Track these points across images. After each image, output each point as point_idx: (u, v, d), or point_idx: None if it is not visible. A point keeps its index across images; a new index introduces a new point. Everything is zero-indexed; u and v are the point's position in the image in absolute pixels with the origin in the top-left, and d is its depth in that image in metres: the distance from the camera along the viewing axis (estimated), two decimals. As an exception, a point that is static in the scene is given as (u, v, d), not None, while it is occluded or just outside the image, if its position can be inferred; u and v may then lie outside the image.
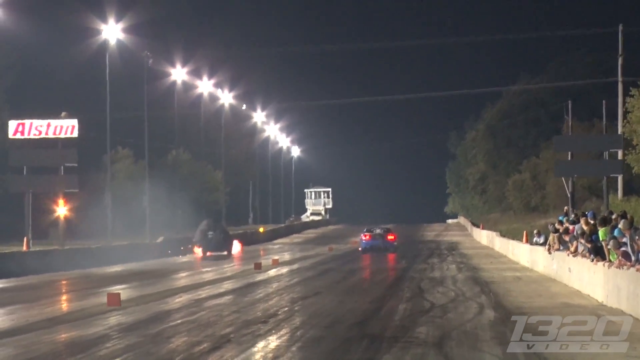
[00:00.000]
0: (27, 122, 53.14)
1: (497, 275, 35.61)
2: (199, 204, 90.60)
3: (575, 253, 27.98)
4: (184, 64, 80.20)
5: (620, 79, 60.46)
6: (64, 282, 35.43)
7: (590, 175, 59.38)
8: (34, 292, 30.19)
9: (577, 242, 28.19)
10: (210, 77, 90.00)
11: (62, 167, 52.85)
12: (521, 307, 22.84)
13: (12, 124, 53.74)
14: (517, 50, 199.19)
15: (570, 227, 31.56)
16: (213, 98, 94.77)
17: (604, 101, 57.75)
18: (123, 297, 25.38)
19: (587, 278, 25.97)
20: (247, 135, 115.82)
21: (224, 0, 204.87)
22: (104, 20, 59.85)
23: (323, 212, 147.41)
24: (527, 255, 41.57)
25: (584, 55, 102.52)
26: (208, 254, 56.33)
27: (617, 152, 52.49)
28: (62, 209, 54.20)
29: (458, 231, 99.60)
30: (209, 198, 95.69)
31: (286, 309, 23.33)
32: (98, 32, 59.95)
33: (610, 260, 23.03)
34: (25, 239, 49.87)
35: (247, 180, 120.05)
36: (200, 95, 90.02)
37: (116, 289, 29.44)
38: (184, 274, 38.68)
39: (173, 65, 78.85)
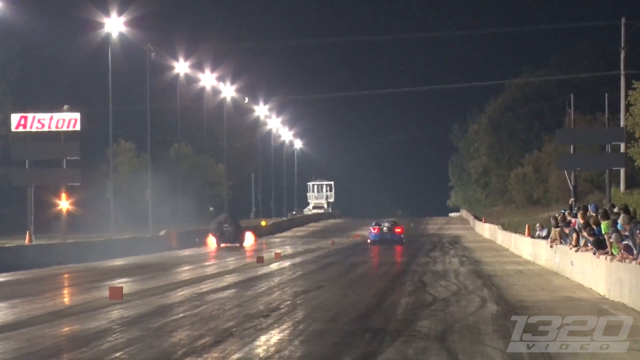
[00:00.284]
0: (29, 115, 53.11)
1: (499, 268, 35.62)
2: (201, 197, 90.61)
3: (577, 247, 27.97)
4: (186, 57, 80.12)
5: (623, 71, 60.38)
6: (66, 275, 35.45)
7: (592, 168, 59.38)
8: (37, 285, 30.20)
9: (578, 234, 28.20)
10: (212, 70, 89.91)
11: (64, 160, 52.83)
12: (523, 301, 22.85)
13: (15, 117, 53.72)
14: (520, 43, 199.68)
15: (573, 220, 31.55)
16: (215, 91, 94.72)
17: (606, 94, 57.71)
18: (125, 290, 25.38)
19: (589, 271, 25.97)
20: (249, 129, 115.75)
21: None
22: (107, 13, 59.81)
23: (325, 206, 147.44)
24: (529, 249, 41.58)
25: (587, 48, 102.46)
26: (222, 245, 58.89)
27: (619, 145, 52.47)
28: (64, 203, 54.24)
29: (460, 224, 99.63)
30: (211, 191, 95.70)
31: (288, 302, 23.33)
32: (101, 25, 59.89)
33: (612, 254, 23.03)
34: (27, 233, 49.92)
35: (249, 174, 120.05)
36: (203, 89, 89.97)
37: (118, 282, 29.47)
38: (186, 268, 38.69)
39: (176, 58, 78.79)
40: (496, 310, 20.98)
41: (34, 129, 53.02)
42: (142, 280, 31.22)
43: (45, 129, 53.02)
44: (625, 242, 22.11)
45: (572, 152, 52.91)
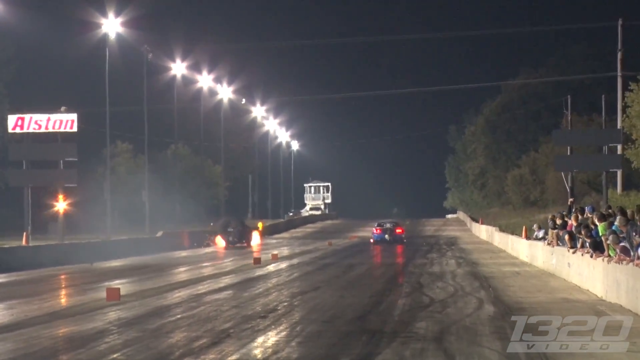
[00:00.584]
0: (26, 116, 53.08)
1: (496, 270, 35.64)
2: (198, 198, 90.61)
3: (574, 249, 28.00)
4: (183, 58, 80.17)
5: (619, 73, 60.43)
6: (63, 276, 35.42)
7: (589, 170, 59.42)
8: (34, 286, 30.18)
9: (571, 237, 28.26)
10: (209, 72, 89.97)
11: (61, 161, 52.80)
12: (520, 302, 22.86)
13: (12, 118, 53.68)
14: (517, 44, 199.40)
15: (569, 222, 31.59)
16: (213, 92, 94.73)
17: (603, 95, 57.76)
18: (122, 291, 25.38)
19: (586, 273, 25.99)
20: (246, 130, 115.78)
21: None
22: (104, 14, 59.83)
23: (322, 207, 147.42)
24: (526, 250, 41.61)
25: (584, 50, 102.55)
26: (230, 245, 61.29)
27: (616, 147, 52.52)
28: (61, 204, 54.17)
29: (457, 226, 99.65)
30: (208, 192, 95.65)
31: (285, 303, 23.34)
32: (98, 25, 59.93)
33: (609, 255, 23.05)
34: (24, 234, 49.82)
35: (246, 175, 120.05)
36: (200, 90, 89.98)
37: (115, 283, 29.46)
38: (183, 269, 38.68)
39: (173, 59, 78.82)
40: (493, 312, 21.00)
41: (30, 130, 52.99)
42: (139, 282, 31.21)
43: (42, 130, 52.99)
44: (622, 243, 22.13)
45: (569, 153, 52.93)
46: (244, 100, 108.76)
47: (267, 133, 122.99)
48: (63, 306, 23.74)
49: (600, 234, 24.43)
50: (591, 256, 24.92)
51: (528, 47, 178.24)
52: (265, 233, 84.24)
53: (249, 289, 27.97)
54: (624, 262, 21.48)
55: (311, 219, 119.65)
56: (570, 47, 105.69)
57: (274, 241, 72.26)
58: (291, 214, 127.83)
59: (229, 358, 15.02)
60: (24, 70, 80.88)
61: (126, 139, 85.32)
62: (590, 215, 28.19)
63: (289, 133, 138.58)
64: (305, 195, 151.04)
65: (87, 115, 67.19)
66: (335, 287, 28.42)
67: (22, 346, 16.50)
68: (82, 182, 59.27)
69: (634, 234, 21.46)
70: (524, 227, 46.72)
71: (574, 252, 27.90)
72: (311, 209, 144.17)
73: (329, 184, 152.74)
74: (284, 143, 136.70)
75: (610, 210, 27.04)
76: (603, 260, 23.44)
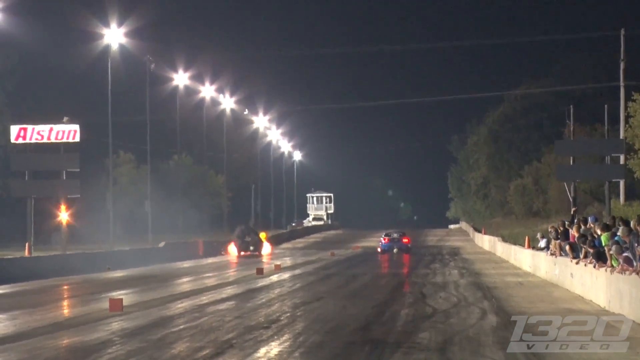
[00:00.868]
0: (29, 127, 53.07)
1: (499, 280, 35.60)
2: (201, 208, 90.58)
3: (577, 259, 27.97)
4: (186, 69, 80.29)
5: (622, 83, 60.45)
6: (66, 287, 35.43)
7: (592, 180, 59.37)
8: (37, 297, 30.18)
9: (572, 248, 28.25)
10: (212, 82, 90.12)
11: (64, 172, 52.79)
12: (523, 313, 22.79)
13: (14, 129, 53.64)
14: (520, 54, 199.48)
15: (571, 231, 31.57)
16: (215, 102, 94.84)
17: (605, 105, 57.72)
18: (125, 302, 25.36)
19: (589, 283, 25.95)
20: (249, 140, 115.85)
21: (225, 5, 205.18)
22: (106, 24, 59.94)
23: (325, 217, 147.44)
24: (529, 260, 41.55)
25: (586, 60, 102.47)
26: (242, 253, 63.65)
27: (619, 157, 52.49)
28: (64, 214, 54.18)
29: (460, 236, 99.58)
30: (210, 203, 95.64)
31: (288, 314, 23.32)
32: (100, 36, 60.05)
33: (612, 266, 23.03)
34: (27, 244, 49.80)
35: (249, 185, 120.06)
36: (203, 100, 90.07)
37: (118, 294, 29.44)
38: (186, 279, 38.65)
39: (175, 69, 78.93)
40: (496, 322, 20.97)
41: (33, 141, 52.97)
42: (142, 292, 31.20)
43: (45, 140, 52.96)
44: (625, 254, 22.11)
45: (571, 163, 52.91)
46: (246, 111, 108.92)
47: (269, 143, 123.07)
48: (66, 317, 23.75)
49: (603, 244, 24.40)
50: (594, 266, 24.90)
51: (531, 57, 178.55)
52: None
53: (251, 299, 27.95)
54: (627, 273, 21.45)
55: (314, 229, 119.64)
56: (573, 57, 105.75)
57: (277, 251, 72.22)
58: (294, 224, 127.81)
59: (232, 369, 15.02)
60: (27, 80, 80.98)
61: (129, 149, 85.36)
62: (592, 225, 28.17)
63: (291, 143, 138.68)
64: (307, 205, 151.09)
65: (90, 126, 67.21)
66: (338, 297, 28.39)
67: (25, 357, 16.50)
68: (85, 192, 59.22)
69: (636, 244, 21.45)
70: (526, 237, 46.69)
71: (577, 263, 27.86)
72: (314, 219, 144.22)
73: (332, 194, 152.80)
74: (286, 153, 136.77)
75: (615, 222, 26.99)
76: (606, 270, 23.41)
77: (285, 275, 40.48)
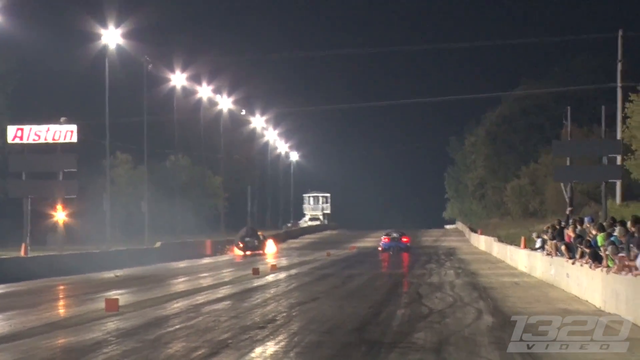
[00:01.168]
0: (26, 127, 52.95)
1: (495, 280, 35.62)
2: (198, 209, 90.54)
3: (573, 259, 27.99)
4: (183, 69, 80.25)
5: (619, 84, 60.49)
6: (62, 287, 35.41)
7: (589, 181, 59.37)
8: (32, 297, 30.17)
9: (567, 248, 28.27)
10: (209, 83, 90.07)
11: (61, 172, 52.71)
12: (519, 313, 22.79)
13: (11, 129, 53.51)
14: (518, 55, 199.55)
15: (566, 231, 31.61)
16: (212, 103, 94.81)
17: (603, 106, 57.75)
18: (121, 302, 25.37)
19: (585, 283, 25.98)
20: (246, 141, 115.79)
21: (223, 5, 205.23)
22: (104, 25, 59.90)
23: (321, 218, 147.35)
24: (525, 261, 41.57)
25: (584, 61, 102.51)
26: (248, 253, 66.27)
27: (616, 158, 52.51)
28: (60, 214, 54.15)
29: (456, 237, 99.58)
30: (208, 203, 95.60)
31: (284, 314, 23.32)
32: (98, 37, 59.99)
33: (608, 266, 23.05)
34: (23, 245, 49.75)
35: (246, 186, 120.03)
36: (200, 101, 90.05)
37: (114, 294, 29.44)
38: (182, 280, 38.65)
39: (173, 70, 78.90)
40: (492, 322, 20.98)
41: (30, 141, 52.86)
42: (138, 292, 31.20)
43: (42, 141, 52.85)
44: (621, 254, 22.13)
45: (568, 164, 52.92)
46: (243, 111, 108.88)
47: (266, 144, 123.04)
48: (61, 317, 23.74)
49: (599, 245, 24.43)
50: (590, 267, 24.92)
51: (529, 58, 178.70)
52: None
53: (247, 299, 27.96)
54: (623, 273, 21.48)
55: (310, 230, 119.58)
56: (571, 58, 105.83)
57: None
58: (289, 225, 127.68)
59: (227, 368, 15.03)
60: (25, 81, 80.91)
61: (126, 150, 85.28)
62: (588, 226, 28.20)
63: (288, 144, 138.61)
64: (304, 205, 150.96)
65: (87, 126, 67.17)
66: (334, 297, 28.40)
67: (20, 357, 16.50)
68: (82, 193, 59.18)
69: (631, 245, 21.47)
70: (522, 238, 46.72)
71: (573, 263, 27.89)
72: (310, 219, 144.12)
73: (328, 194, 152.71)
74: (283, 154, 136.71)
75: (614, 222, 27.00)
76: (602, 270, 23.44)
77: (281, 276, 40.48)
